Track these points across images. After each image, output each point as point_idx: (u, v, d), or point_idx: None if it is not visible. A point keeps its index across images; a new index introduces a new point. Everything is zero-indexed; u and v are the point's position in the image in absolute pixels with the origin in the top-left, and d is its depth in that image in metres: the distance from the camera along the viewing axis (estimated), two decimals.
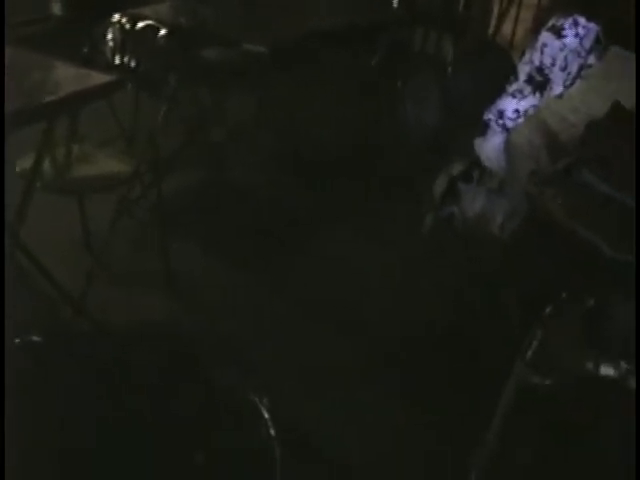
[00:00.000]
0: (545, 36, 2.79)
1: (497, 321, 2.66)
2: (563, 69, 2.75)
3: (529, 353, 1.98)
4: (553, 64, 2.76)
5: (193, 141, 3.53)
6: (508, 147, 2.79)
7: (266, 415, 2.13)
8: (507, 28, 6.09)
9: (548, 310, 2.08)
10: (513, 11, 6.05)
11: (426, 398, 2.55)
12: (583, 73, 2.76)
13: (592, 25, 2.69)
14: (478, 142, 2.95)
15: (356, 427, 2.43)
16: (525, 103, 2.84)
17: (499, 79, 2.97)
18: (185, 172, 3.63)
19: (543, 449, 2.12)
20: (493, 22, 6.21)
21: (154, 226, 3.16)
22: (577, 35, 2.70)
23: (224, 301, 2.98)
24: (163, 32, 3.17)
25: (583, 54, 2.71)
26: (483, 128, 2.94)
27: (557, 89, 2.78)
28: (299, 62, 3.60)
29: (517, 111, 2.85)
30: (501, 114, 2.87)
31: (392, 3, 4.27)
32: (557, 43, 2.73)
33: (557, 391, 2.04)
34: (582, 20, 2.69)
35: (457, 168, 3.02)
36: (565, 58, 2.73)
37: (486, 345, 2.66)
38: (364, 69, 3.88)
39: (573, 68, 2.74)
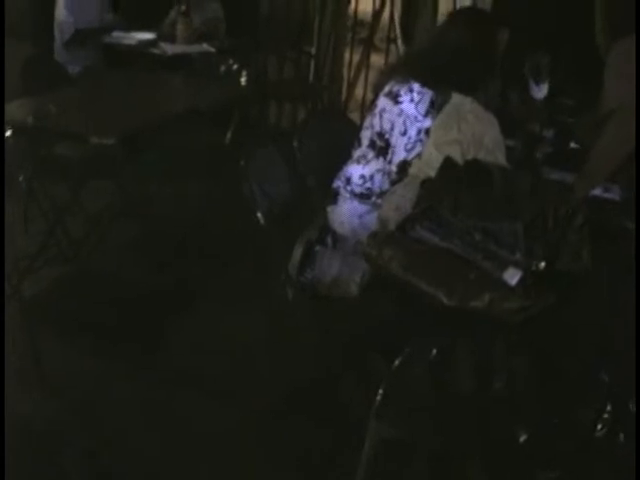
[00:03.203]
0: (383, 101, 2.87)
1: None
2: (403, 133, 2.81)
3: (378, 406, 2.07)
4: (392, 129, 2.82)
5: (53, 236, 3.54)
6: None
7: None
8: (359, 93, 6.38)
9: (396, 363, 2.18)
10: (363, 76, 6.36)
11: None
12: (422, 136, 2.86)
13: (426, 90, 2.81)
14: (330, 209, 3.00)
15: None
16: (370, 168, 2.89)
17: (346, 146, 3.05)
18: (49, 266, 3.63)
19: None
20: (345, 89, 6.49)
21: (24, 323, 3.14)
22: (412, 100, 2.78)
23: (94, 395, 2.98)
24: (9, 133, 3.20)
25: (420, 118, 2.78)
26: (333, 196, 2.99)
27: (399, 153, 2.82)
28: (149, 149, 3.68)
29: (363, 177, 2.89)
30: (348, 180, 2.93)
31: (240, 81, 4.39)
32: (395, 108, 2.81)
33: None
34: (416, 86, 2.78)
35: (313, 234, 3.09)
36: (404, 123, 2.80)
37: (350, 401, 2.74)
38: (217, 148, 3.99)
39: (412, 132, 2.80)
